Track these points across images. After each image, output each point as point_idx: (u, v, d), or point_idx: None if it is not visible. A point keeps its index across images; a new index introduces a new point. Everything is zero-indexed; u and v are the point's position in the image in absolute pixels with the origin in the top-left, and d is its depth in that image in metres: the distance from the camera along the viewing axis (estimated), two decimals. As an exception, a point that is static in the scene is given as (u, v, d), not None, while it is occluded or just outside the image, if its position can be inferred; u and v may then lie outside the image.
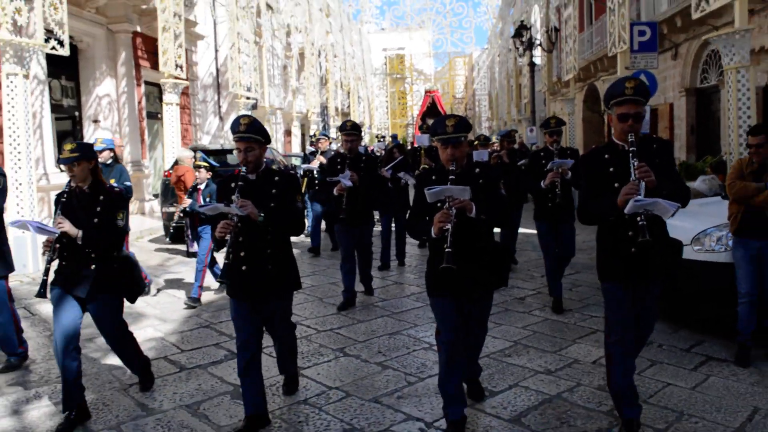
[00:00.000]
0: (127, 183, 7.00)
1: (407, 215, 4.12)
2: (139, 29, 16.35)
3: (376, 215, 9.29)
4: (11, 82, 8.72)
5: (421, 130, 9.55)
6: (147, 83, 17.38)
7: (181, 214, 7.45)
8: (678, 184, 3.59)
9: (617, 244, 3.63)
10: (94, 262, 4.06)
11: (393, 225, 9.21)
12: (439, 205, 3.52)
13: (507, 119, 37.36)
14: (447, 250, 3.38)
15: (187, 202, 7.35)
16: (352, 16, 43.90)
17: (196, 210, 7.09)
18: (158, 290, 7.89)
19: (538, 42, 22.14)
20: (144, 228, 13.13)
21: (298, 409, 4.24)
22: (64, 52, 9.70)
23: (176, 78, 13.74)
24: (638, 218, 3.33)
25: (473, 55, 58.85)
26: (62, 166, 4.12)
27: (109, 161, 7.00)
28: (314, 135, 12.17)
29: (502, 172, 7.53)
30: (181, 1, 13.94)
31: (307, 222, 11.30)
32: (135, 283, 4.34)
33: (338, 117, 35.57)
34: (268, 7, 23.63)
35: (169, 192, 10.80)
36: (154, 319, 6.66)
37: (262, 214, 3.72)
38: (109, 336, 4.31)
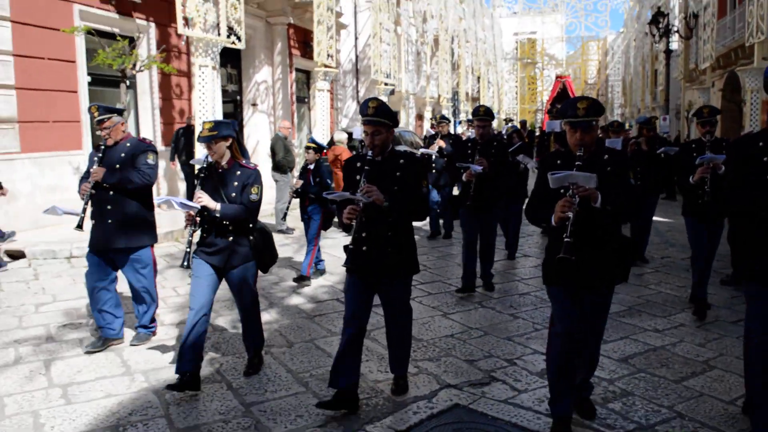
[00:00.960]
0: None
1: (527, 200, 3.91)
2: (292, 21, 18.03)
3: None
4: (203, 72, 10.42)
5: (550, 115, 9.51)
6: (297, 70, 19.13)
7: (294, 195, 7.42)
8: None
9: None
10: (231, 234, 4.32)
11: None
12: (562, 191, 3.39)
13: (641, 106, 36.60)
14: (566, 239, 3.26)
15: (298, 183, 7.36)
16: (484, 1, 44.24)
17: (308, 191, 7.18)
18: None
19: (675, 29, 21.89)
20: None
21: (446, 341, 5.36)
22: (242, 46, 11.36)
23: (327, 67, 15.16)
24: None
25: (608, 39, 57.28)
26: (202, 144, 4.38)
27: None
28: (434, 118, 11.97)
29: (632, 161, 7.51)
30: (353, 5, 15.32)
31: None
32: (269, 255, 4.59)
33: (468, 102, 36.35)
34: (407, -3, 24.79)
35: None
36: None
37: (387, 202, 3.77)
38: (244, 304, 4.55)
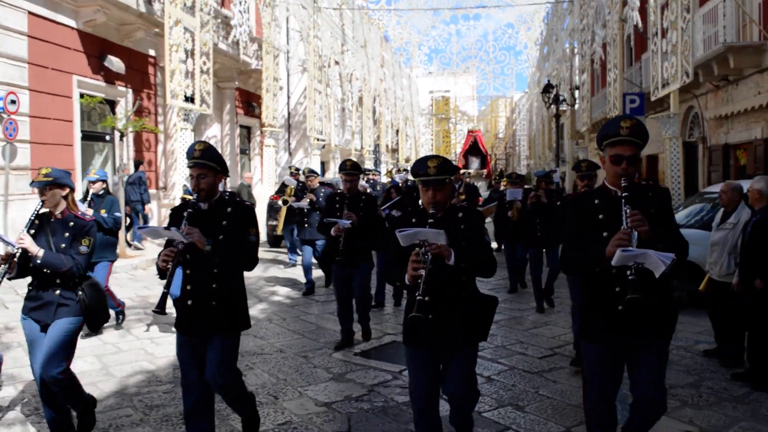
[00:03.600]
0: (117, 214, 7.12)
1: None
2: (237, 84, 20.82)
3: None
4: (183, 133, 13.04)
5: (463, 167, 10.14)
6: (241, 126, 21.86)
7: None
8: (675, 236, 3.22)
9: (601, 300, 3.28)
10: (58, 288, 4.06)
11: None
12: (416, 250, 3.25)
13: (542, 159, 41.07)
14: (418, 297, 3.14)
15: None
16: (403, 63, 48.42)
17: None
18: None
19: (562, 98, 26.04)
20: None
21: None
22: (210, 111, 14.04)
23: (272, 126, 18.01)
24: (628, 272, 2.99)
25: (514, 98, 62.61)
26: (35, 189, 4.22)
27: (101, 192, 7.19)
28: (303, 171, 11.65)
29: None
30: (277, 67, 18.29)
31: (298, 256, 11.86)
32: (100, 313, 4.29)
33: (389, 153, 39.82)
34: (336, 62, 28.04)
35: (273, 210, 14.92)
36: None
37: (209, 245, 3.54)
38: (45, 361, 3.95)
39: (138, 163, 14.85)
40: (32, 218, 4.11)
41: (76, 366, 4.64)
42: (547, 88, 26.11)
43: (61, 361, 3.98)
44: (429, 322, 3.31)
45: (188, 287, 3.67)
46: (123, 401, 5.05)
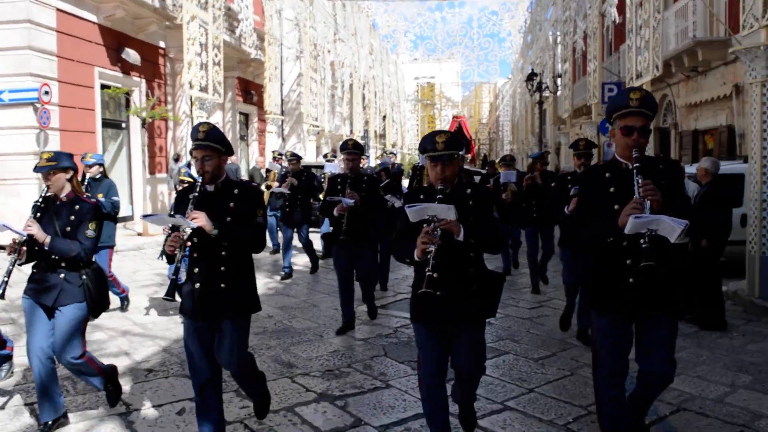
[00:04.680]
0: (115, 198, 7.06)
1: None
2: (237, 73, 21.86)
3: None
4: (199, 120, 14.12)
5: None
6: (240, 113, 22.93)
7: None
8: (687, 208, 3.25)
9: (614, 273, 3.28)
10: (63, 270, 4.05)
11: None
12: (424, 225, 3.25)
13: (525, 144, 42.43)
14: (428, 273, 3.14)
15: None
16: (389, 50, 49.43)
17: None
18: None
19: (545, 85, 27.33)
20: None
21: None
22: (221, 100, 15.11)
23: (274, 114, 19.11)
24: (641, 240, 2.96)
25: (498, 84, 63.85)
26: (39, 174, 4.12)
27: (98, 176, 7.09)
28: (285, 155, 11.43)
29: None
30: (280, 56, 19.36)
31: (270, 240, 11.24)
32: (101, 299, 4.25)
33: (376, 139, 40.98)
34: (328, 51, 29.11)
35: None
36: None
37: (216, 229, 3.46)
38: (57, 349, 4.05)
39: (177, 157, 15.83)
40: (37, 203, 4.08)
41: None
42: (531, 77, 27.40)
43: (77, 347, 4.08)
44: (438, 299, 3.30)
45: (196, 270, 3.60)
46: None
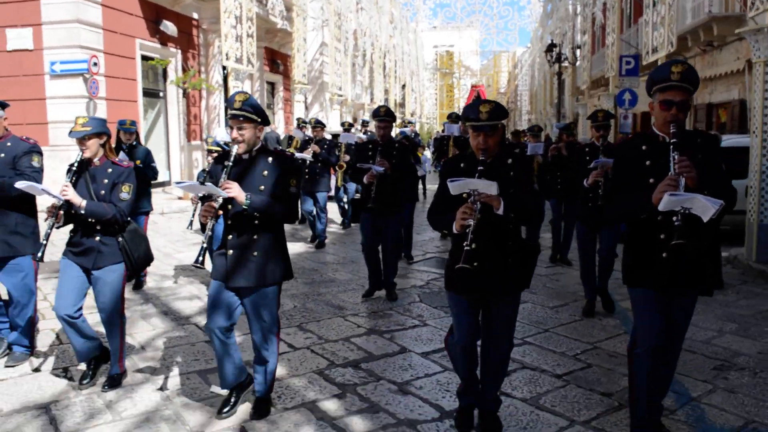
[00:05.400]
0: (153, 164, 7.18)
1: (429, 205, 3.65)
2: (265, 43, 22.55)
3: None
4: (235, 90, 14.91)
5: (450, 119, 9.34)
6: (267, 83, 23.67)
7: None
8: (723, 184, 3.12)
9: (647, 247, 3.25)
10: (98, 233, 4.12)
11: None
12: (464, 196, 3.21)
13: (544, 114, 42.76)
14: (466, 248, 3.09)
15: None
16: (409, 18, 49.75)
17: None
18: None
19: (565, 56, 27.77)
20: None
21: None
22: (255, 71, 15.88)
23: (302, 84, 19.85)
24: (674, 217, 2.91)
25: (517, 53, 63.73)
26: (74, 139, 4.11)
27: (134, 143, 7.15)
28: (309, 122, 11.21)
29: (553, 166, 8.46)
30: (306, 27, 20.02)
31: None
32: (142, 258, 4.35)
33: (396, 107, 41.53)
34: (350, 20, 29.66)
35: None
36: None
37: (248, 200, 3.48)
38: (104, 309, 4.21)
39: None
40: (73, 167, 4.12)
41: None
42: (551, 48, 27.82)
43: (119, 312, 4.27)
44: (474, 270, 3.23)
45: (229, 237, 3.67)
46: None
